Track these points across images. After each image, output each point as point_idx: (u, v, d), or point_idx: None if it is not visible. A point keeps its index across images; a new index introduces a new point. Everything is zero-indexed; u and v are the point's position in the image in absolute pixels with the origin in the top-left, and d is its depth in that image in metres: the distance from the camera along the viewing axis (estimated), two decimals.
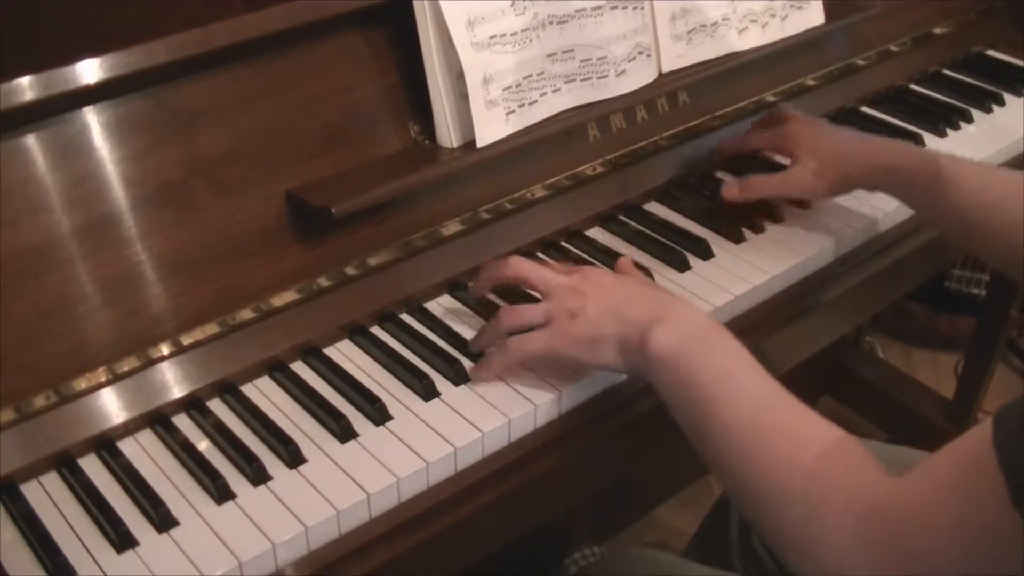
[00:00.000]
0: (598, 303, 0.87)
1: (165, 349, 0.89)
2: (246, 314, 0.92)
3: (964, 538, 0.64)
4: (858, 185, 1.10)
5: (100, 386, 0.86)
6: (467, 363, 0.94)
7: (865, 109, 1.41)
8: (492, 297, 1.01)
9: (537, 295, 0.92)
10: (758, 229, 1.14)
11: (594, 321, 0.86)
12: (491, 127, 1.03)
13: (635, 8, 1.13)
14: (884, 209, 1.17)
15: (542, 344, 0.88)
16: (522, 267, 0.93)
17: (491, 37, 1.02)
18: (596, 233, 1.14)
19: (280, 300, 0.94)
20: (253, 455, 0.84)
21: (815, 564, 0.72)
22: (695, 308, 0.91)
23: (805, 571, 0.74)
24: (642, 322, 0.84)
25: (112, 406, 0.86)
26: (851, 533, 0.70)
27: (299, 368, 0.95)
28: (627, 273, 0.99)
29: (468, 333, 0.98)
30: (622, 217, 1.16)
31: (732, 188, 1.12)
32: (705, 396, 0.80)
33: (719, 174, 1.25)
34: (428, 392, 0.91)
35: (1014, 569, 0.62)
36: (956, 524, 0.64)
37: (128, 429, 0.87)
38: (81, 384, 0.85)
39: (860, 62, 1.40)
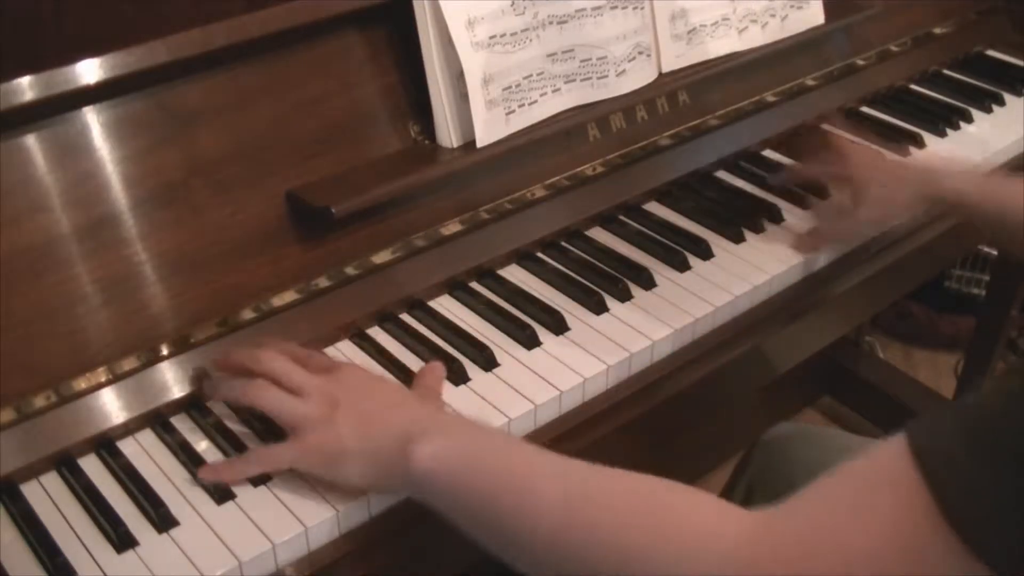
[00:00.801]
0: (348, 413, 0.79)
1: (165, 349, 0.89)
2: (246, 314, 0.92)
3: (863, 563, 0.58)
4: (931, 203, 1.11)
5: (100, 386, 0.86)
6: (467, 363, 0.94)
7: (865, 109, 1.41)
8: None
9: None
10: (758, 229, 1.14)
11: (340, 433, 0.78)
12: (491, 127, 1.03)
13: (635, 8, 1.13)
14: None
15: (291, 455, 0.80)
16: (273, 364, 0.83)
17: (491, 37, 1.02)
18: (596, 233, 1.14)
19: (280, 300, 0.94)
20: None
21: None
22: (449, 415, 0.85)
23: None
24: (396, 435, 0.76)
25: (112, 406, 0.86)
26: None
27: None
28: (423, 375, 0.90)
29: (469, 333, 0.98)
30: (622, 217, 1.16)
31: (809, 244, 1.11)
32: (491, 493, 0.71)
33: (719, 174, 1.25)
34: None
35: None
36: (854, 546, 0.59)
37: (128, 429, 0.87)
38: (81, 384, 0.85)
39: (860, 62, 1.40)
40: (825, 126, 1.29)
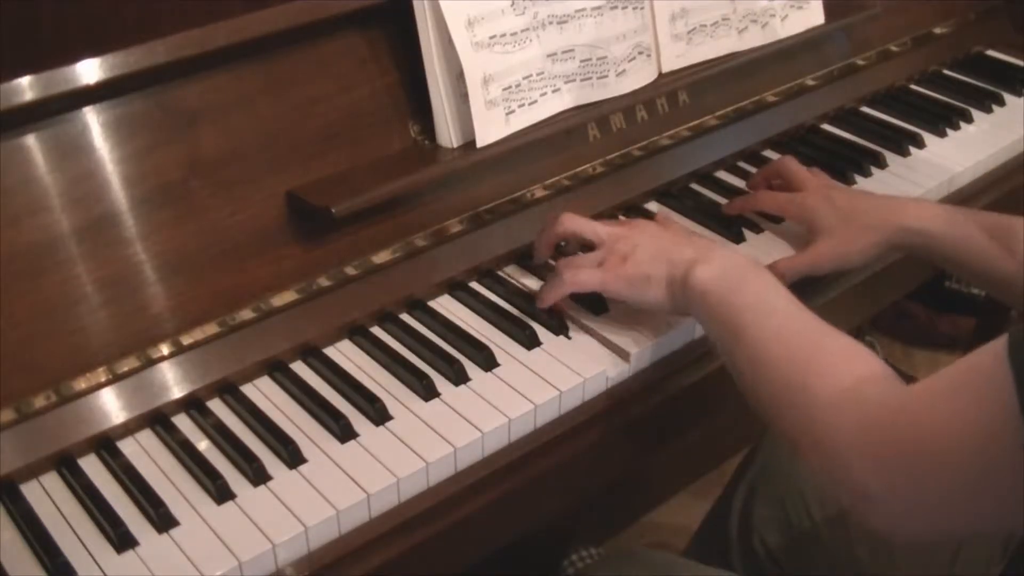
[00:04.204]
0: (647, 247, 0.94)
1: (165, 349, 0.89)
2: (246, 314, 0.92)
3: (971, 448, 0.64)
4: (884, 251, 1.07)
5: (100, 386, 0.86)
6: (467, 363, 0.94)
7: (865, 109, 1.41)
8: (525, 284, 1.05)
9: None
10: (758, 229, 1.14)
11: (643, 262, 0.93)
12: (491, 127, 1.03)
13: (635, 8, 1.13)
14: None
15: (597, 280, 0.95)
16: (575, 222, 0.99)
17: (491, 37, 1.02)
18: None
19: (280, 300, 0.94)
20: (253, 455, 0.84)
21: (824, 465, 0.74)
22: (735, 251, 1.03)
23: (817, 470, 0.76)
24: (686, 261, 0.91)
25: (112, 406, 0.86)
26: (856, 435, 0.71)
27: (299, 368, 0.95)
28: (663, 220, 1.05)
29: (469, 333, 0.98)
30: (622, 217, 1.16)
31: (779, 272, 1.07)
32: (737, 320, 0.85)
33: (719, 174, 1.25)
34: (428, 392, 0.91)
35: (1016, 485, 0.62)
36: (963, 432, 0.65)
37: (128, 429, 0.87)
38: (81, 384, 0.85)
39: (860, 62, 1.40)
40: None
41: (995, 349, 0.64)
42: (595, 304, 1.01)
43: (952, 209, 1.06)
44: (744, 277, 0.88)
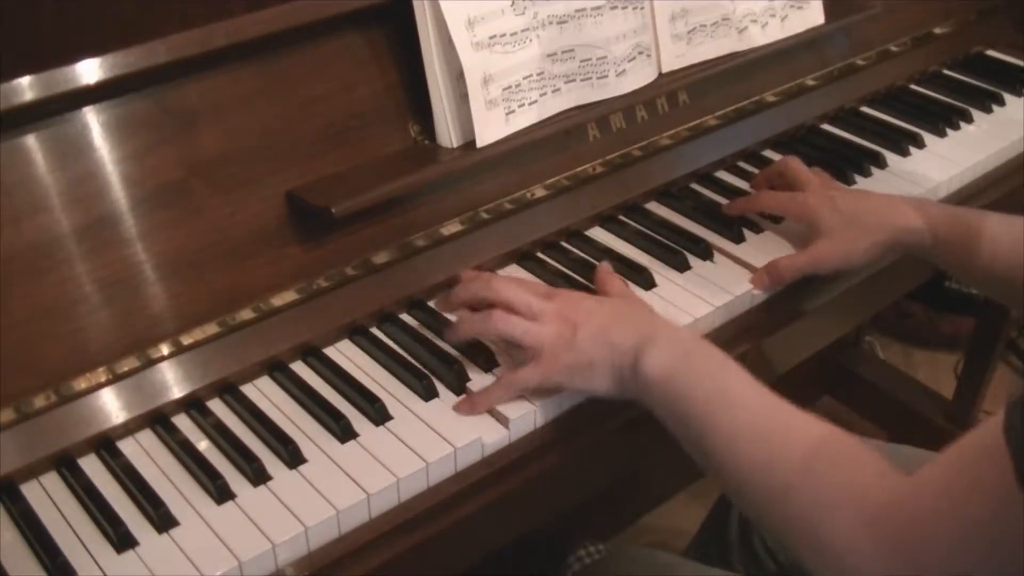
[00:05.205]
0: (587, 330, 0.87)
1: (165, 349, 0.89)
2: (246, 314, 0.92)
3: (978, 531, 0.64)
4: (886, 252, 1.07)
5: (100, 386, 0.86)
6: (467, 363, 0.94)
7: (865, 109, 1.41)
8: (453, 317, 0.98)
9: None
10: (758, 229, 1.14)
11: (585, 349, 0.87)
12: (491, 127, 1.03)
13: (635, 8, 1.13)
14: None
15: (538, 376, 0.88)
16: (506, 290, 0.92)
17: (491, 37, 1.02)
18: (596, 233, 1.14)
19: (280, 300, 0.94)
20: (253, 455, 0.84)
21: (825, 562, 0.73)
22: (677, 325, 0.94)
23: (817, 570, 0.74)
24: (631, 347, 0.85)
25: (112, 406, 0.86)
26: (862, 532, 0.70)
27: (299, 368, 0.95)
28: (607, 281, 0.99)
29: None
30: (622, 217, 1.16)
31: (765, 282, 1.06)
32: (701, 411, 0.82)
33: (719, 174, 1.25)
34: (428, 392, 0.91)
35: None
36: (969, 517, 0.64)
37: (128, 429, 0.87)
38: (81, 384, 0.85)
39: (860, 62, 1.40)
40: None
41: (989, 431, 0.64)
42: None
43: (954, 210, 1.05)
44: (695, 360, 0.85)
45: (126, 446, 0.87)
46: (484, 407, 0.89)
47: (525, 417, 0.90)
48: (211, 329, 0.91)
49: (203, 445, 0.87)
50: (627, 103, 1.15)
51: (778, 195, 1.13)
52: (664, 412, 0.85)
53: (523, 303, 0.90)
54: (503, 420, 0.89)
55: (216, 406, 0.91)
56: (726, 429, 0.80)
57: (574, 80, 1.10)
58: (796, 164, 1.15)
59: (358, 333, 0.98)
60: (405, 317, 1.01)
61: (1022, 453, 0.61)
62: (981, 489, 0.64)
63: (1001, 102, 1.43)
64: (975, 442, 0.66)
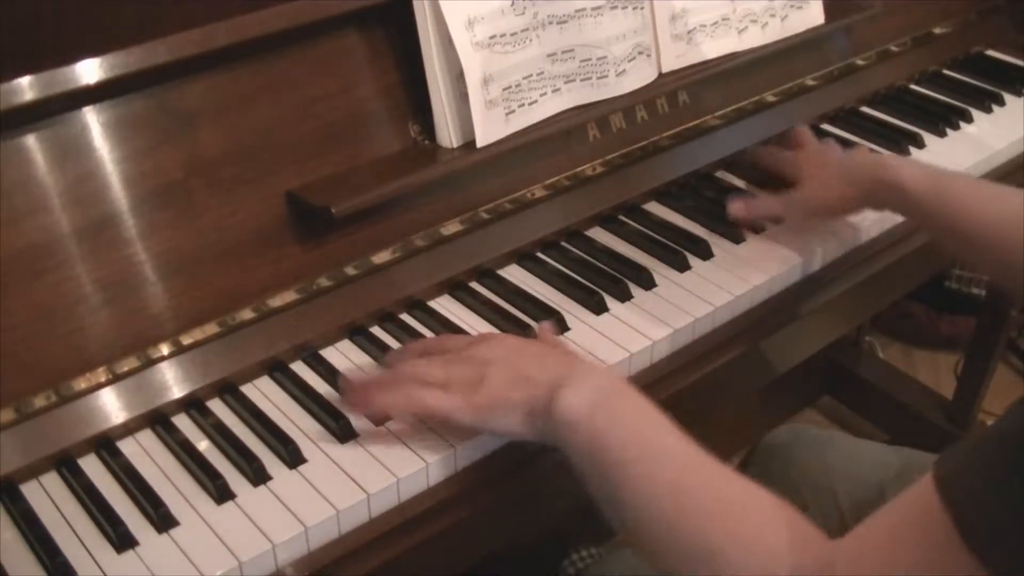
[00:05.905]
0: (502, 367, 0.83)
1: (165, 349, 0.89)
2: (246, 314, 0.92)
3: None
4: (860, 203, 1.09)
5: (100, 386, 0.86)
6: None
7: (865, 109, 1.41)
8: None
9: None
10: (758, 229, 1.14)
11: (498, 386, 0.82)
12: (491, 127, 1.03)
13: (635, 8, 1.13)
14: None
15: (447, 406, 0.83)
16: (413, 370, 0.86)
17: (491, 37, 1.02)
18: (596, 233, 1.14)
19: (280, 300, 0.94)
20: (253, 455, 0.84)
21: None
22: (600, 368, 0.91)
23: None
24: (547, 383, 0.80)
25: (112, 406, 0.86)
26: None
27: (299, 368, 0.95)
28: (542, 339, 0.94)
29: (468, 334, 0.98)
30: (622, 217, 1.16)
31: (739, 206, 1.13)
32: (618, 459, 0.76)
33: (719, 174, 1.25)
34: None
35: None
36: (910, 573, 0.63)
37: (128, 429, 0.87)
38: (81, 384, 0.85)
39: (860, 62, 1.40)
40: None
41: (921, 492, 0.62)
42: (595, 304, 1.01)
43: (941, 173, 1.05)
44: (614, 404, 0.79)
45: (126, 446, 0.87)
46: (377, 405, 0.85)
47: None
48: (211, 329, 0.91)
49: (203, 445, 0.87)
50: (627, 103, 1.15)
51: (777, 152, 1.19)
52: (577, 457, 0.79)
53: (430, 376, 0.84)
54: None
55: (216, 406, 0.91)
56: (644, 484, 0.75)
57: (574, 80, 1.10)
58: (802, 128, 1.22)
59: (358, 333, 0.98)
60: (405, 317, 1.01)
61: (963, 508, 0.59)
62: (921, 551, 0.62)
63: (1001, 102, 1.43)
64: (906, 506, 0.65)
